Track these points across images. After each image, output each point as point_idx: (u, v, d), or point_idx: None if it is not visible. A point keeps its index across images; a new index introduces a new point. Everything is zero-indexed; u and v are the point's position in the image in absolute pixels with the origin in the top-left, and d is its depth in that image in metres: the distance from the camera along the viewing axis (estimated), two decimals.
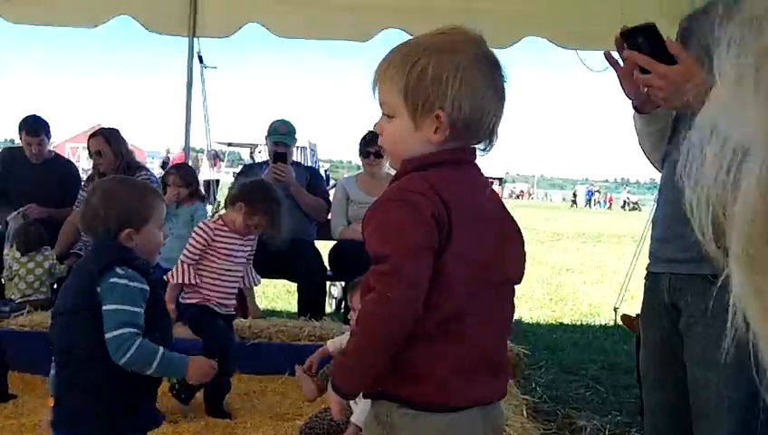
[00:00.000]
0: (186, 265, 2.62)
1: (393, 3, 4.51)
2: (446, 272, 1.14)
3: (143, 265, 1.70)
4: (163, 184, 3.92)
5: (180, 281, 2.60)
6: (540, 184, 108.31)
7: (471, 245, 1.16)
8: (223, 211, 2.81)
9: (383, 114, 1.20)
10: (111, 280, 1.61)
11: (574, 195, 48.68)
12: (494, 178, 62.90)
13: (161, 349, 1.61)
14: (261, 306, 5.07)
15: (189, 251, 2.64)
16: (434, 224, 1.11)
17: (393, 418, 1.18)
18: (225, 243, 2.66)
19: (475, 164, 1.24)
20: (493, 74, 1.17)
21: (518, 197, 64.72)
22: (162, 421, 1.80)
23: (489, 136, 1.20)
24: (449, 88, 1.12)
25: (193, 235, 2.67)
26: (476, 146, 1.22)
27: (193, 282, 2.61)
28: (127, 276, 1.62)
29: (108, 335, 1.56)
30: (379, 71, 1.20)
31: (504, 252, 1.22)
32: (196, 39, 4.68)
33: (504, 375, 1.28)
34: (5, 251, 3.84)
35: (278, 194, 2.80)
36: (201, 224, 2.73)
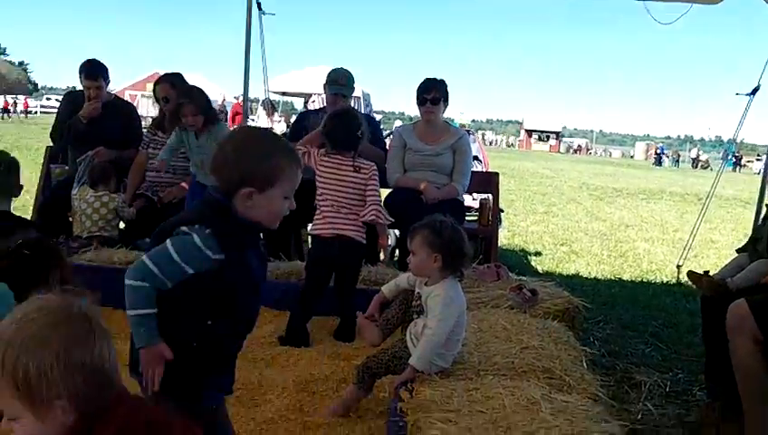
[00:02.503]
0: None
1: None
2: None
3: (240, 235, 1.58)
4: (176, 117, 3.69)
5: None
6: (599, 140, 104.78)
7: None
8: None
9: (8, 419, 1.13)
10: (183, 228, 1.55)
11: (657, 153, 47.77)
12: (550, 133, 61.43)
13: (149, 311, 1.53)
14: None
15: None
16: None
17: None
18: None
19: None
20: (86, 337, 1.11)
21: (576, 151, 62.84)
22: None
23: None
24: (55, 377, 1.07)
25: None
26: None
27: None
28: (201, 236, 1.53)
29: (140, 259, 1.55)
30: None
31: None
32: None
33: None
34: (74, 192, 3.97)
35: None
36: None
